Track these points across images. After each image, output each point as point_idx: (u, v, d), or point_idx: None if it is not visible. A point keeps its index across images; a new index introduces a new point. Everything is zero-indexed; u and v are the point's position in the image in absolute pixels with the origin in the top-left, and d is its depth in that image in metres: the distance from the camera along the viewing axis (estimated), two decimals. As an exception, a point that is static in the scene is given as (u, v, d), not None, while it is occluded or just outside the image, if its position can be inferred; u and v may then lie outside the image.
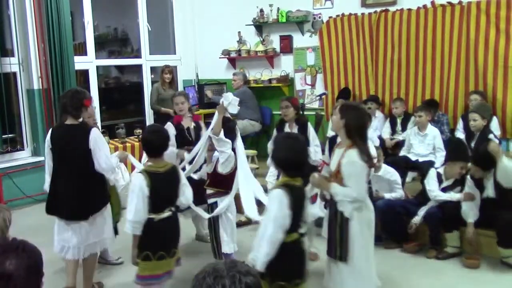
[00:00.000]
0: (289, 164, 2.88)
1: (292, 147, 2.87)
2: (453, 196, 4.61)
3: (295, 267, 2.88)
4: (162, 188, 3.26)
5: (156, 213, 3.24)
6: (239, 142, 4.29)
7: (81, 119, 3.79)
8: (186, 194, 3.45)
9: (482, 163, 4.44)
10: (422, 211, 4.66)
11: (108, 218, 3.92)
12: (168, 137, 3.46)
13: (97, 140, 3.67)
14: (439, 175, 4.76)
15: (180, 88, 8.53)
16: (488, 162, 4.41)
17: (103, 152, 3.70)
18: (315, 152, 5.00)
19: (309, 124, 5.22)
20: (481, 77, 6.11)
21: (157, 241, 3.26)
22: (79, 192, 3.67)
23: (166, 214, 3.28)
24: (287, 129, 5.15)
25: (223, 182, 4.22)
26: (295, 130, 5.09)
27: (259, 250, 2.74)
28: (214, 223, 4.25)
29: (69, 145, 3.69)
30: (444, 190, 4.70)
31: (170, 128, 4.60)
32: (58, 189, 3.74)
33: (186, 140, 4.78)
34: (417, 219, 4.66)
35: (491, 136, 5.15)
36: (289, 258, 2.80)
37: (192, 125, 4.93)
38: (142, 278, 3.29)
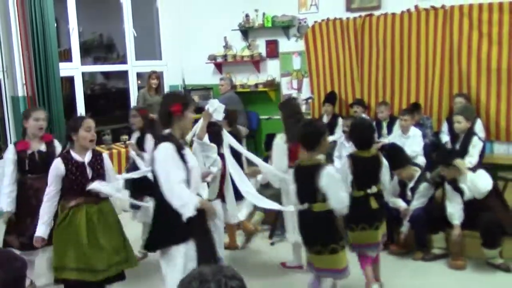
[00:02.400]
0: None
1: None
2: (396, 202, 4.75)
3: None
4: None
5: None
6: (226, 146, 4.31)
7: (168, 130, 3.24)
8: None
9: (445, 159, 4.52)
10: (406, 219, 4.71)
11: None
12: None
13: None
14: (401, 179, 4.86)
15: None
16: (450, 157, 4.52)
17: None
18: None
19: (149, 136, 4.91)
20: (465, 80, 6.19)
21: None
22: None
23: (300, 207, 3.56)
24: (132, 138, 5.05)
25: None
26: (135, 137, 4.99)
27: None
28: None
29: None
30: (412, 190, 4.77)
31: (10, 154, 4.11)
32: None
33: (28, 166, 4.13)
34: (404, 229, 4.73)
35: (475, 138, 5.20)
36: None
37: (41, 148, 4.20)
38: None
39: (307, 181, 3.45)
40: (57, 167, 3.43)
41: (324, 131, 3.61)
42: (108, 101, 10.12)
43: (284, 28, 7.56)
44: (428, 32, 6.38)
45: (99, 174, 3.53)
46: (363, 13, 6.86)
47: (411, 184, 4.80)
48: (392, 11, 6.63)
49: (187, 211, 2.96)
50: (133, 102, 8.02)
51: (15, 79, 6.65)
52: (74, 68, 7.49)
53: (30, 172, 4.11)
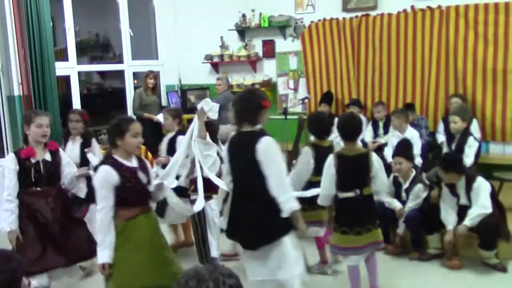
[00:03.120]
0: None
1: None
2: (391, 203, 4.75)
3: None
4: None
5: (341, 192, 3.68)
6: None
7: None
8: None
9: (451, 168, 4.47)
10: (401, 220, 4.73)
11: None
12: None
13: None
14: (395, 179, 4.85)
15: (163, 93, 8.52)
16: (457, 165, 4.49)
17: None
18: None
19: (94, 141, 4.95)
20: (461, 81, 6.21)
21: (340, 216, 3.74)
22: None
23: (351, 194, 3.64)
24: (70, 144, 4.82)
25: (209, 187, 4.23)
26: (78, 144, 4.82)
27: None
28: (201, 228, 4.26)
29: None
30: (407, 191, 4.78)
31: (12, 163, 3.59)
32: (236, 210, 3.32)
33: (34, 178, 3.65)
34: (400, 230, 4.75)
35: (471, 138, 5.21)
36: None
37: (46, 158, 3.73)
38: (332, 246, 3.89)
39: (356, 169, 3.71)
40: (110, 176, 2.99)
41: (362, 123, 3.98)
42: (104, 100, 10.11)
43: (281, 28, 7.56)
44: (424, 32, 6.40)
45: (149, 179, 3.22)
46: (359, 13, 6.87)
47: (405, 185, 4.81)
48: (388, 12, 6.64)
49: (294, 205, 3.10)
50: (129, 101, 8.01)
51: (11, 78, 6.62)
52: (70, 68, 7.47)
53: (35, 184, 3.63)
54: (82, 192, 3.88)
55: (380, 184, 3.78)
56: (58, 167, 3.70)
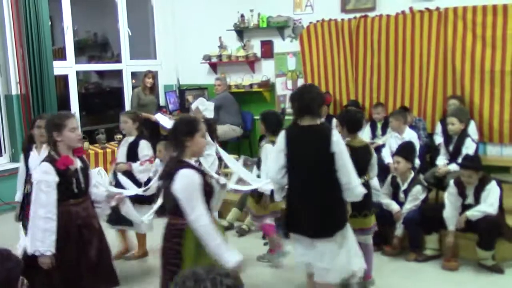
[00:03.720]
0: None
1: None
2: (389, 205, 4.79)
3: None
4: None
5: None
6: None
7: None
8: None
9: (474, 166, 4.51)
10: (399, 221, 4.74)
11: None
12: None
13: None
14: (394, 180, 4.86)
15: (161, 93, 8.51)
16: (476, 163, 4.53)
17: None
18: None
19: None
20: (459, 82, 6.21)
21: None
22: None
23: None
24: (33, 153, 4.29)
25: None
26: (44, 154, 4.40)
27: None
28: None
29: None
30: (405, 192, 4.79)
31: (49, 175, 3.11)
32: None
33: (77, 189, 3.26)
34: (399, 232, 4.77)
35: (468, 139, 5.22)
36: None
37: (79, 164, 3.32)
38: None
39: (363, 158, 3.90)
40: (196, 179, 2.75)
41: (364, 117, 4.20)
42: (102, 100, 10.10)
43: (279, 29, 7.56)
44: (423, 34, 6.40)
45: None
46: (358, 14, 6.87)
47: (404, 187, 4.82)
48: (387, 13, 6.65)
49: (364, 189, 3.40)
50: (127, 101, 8.01)
51: (9, 77, 6.62)
52: (68, 67, 7.46)
53: (76, 196, 3.22)
54: (104, 214, 3.67)
55: (375, 171, 4.07)
56: (89, 174, 3.37)
